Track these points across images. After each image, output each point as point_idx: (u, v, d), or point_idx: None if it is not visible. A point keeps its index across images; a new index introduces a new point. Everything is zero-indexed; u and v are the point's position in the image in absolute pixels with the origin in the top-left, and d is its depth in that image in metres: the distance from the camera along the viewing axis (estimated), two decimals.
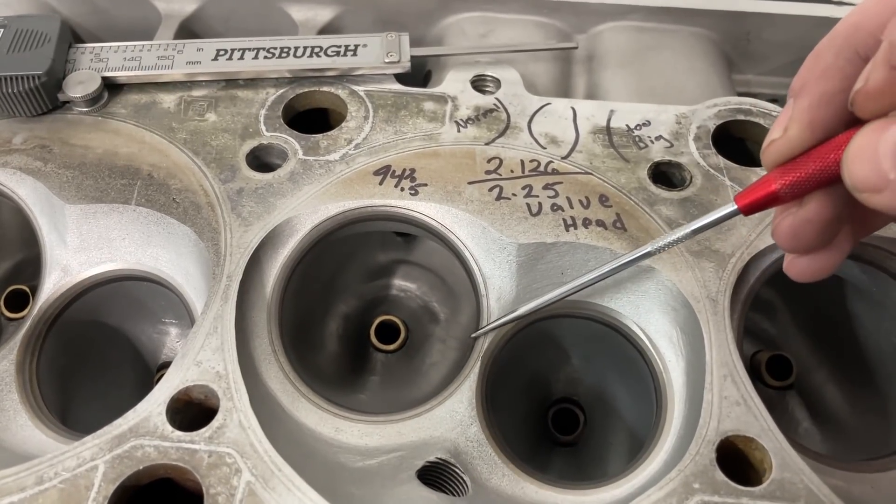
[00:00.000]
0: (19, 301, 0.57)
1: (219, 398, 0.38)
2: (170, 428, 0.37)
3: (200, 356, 0.40)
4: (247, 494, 0.35)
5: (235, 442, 0.37)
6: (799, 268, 0.34)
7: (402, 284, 0.62)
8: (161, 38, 0.60)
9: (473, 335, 0.45)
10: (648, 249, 0.39)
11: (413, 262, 0.62)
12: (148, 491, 0.37)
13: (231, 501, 0.35)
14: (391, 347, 0.56)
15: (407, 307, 0.61)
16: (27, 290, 0.57)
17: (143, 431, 0.37)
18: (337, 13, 0.61)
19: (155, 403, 0.38)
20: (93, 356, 0.51)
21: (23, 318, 0.56)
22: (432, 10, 0.61)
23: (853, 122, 0.28)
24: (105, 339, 0.52)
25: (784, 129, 0.30)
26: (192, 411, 0.39)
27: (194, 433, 0.37)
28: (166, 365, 0.54)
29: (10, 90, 0.48)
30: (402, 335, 0.56)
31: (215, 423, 0.38)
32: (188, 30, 0.62)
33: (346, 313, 0.59)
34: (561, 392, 0.53)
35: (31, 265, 0.61)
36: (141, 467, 0.36)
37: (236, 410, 0.38)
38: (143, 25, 0.63)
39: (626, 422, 0.51)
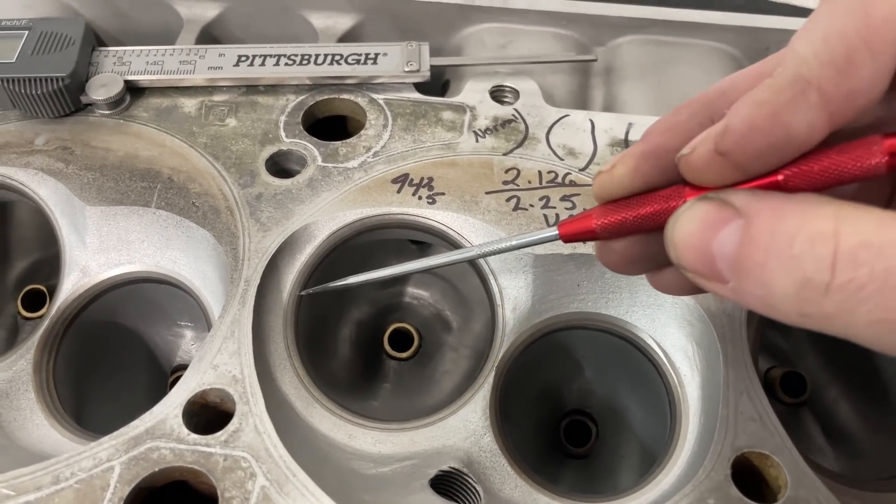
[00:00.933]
0: (36, 300, 0.57)
1: (235, 402, 0.39)
2: (186, 431, 0.38)
3: (217, 360, 0.40)
4: (261, 499, 0.35)
5: (251, 446, 0.37)
6: (652, 281, 0.33)
7: (416, 292, 0.62)
8: (183, 42, 0.61)
9: (301, 292, 0.45)
10: (473, 253, 0.38)
11: (427, 270, 0.62)
12: (163, 493, 0.37)
13: None
14: (404, 355, 0.56)
15: (420, 315, 0.61)
16: (44, 289, 0.57)
17: (159, 433, 0.37)
18: (357, 21, 0.62)
19: (171, 406, 0.38)
20: (108, 357, 0.51)
21: (40, 317, 0.56)
22: (452, 19, 0.61)
23: (682, 180, 0.28)
24: (120, 341, 0.52)
25: (613, 165, 0.30)
26: (208, 414, 0.39)
27: (210, 436, 0.37)
28: (181, 367, 0.55)
29: (34, 91, 0.49)
30: (416, 343, 0.56)
31: (231, 426, 0.38)
32: (209, 35, 0.63)
33: (360, 320, 0.59)
34: (574, 404, 0.53)
35: (47, 265, 0.61)
36: (156, 469, 0.36)
37: (252, 415, 0.38)
38: (164, 29, 0.63)
39: (639, 435, 0.51)
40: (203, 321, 0.49)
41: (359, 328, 0.59)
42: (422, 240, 0.52)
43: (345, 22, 0.62)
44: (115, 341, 0.51)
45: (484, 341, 0.58)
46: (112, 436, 0.37)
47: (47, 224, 0.49)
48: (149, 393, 0.54)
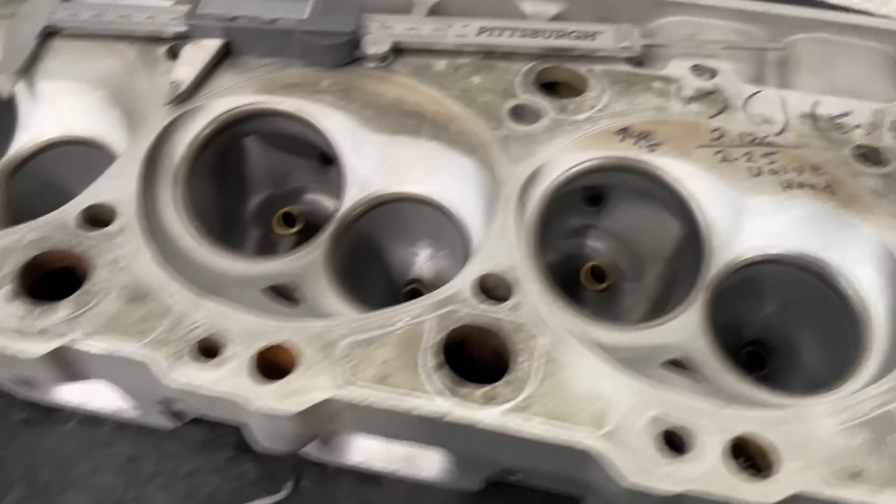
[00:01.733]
0: (287, 220, 0.68)
1: (510, 285, 0.48)
2: (476, 301, 0.47)
3: (493, 252, 0.50)
4: (543, 353, 0.45)
5: (529, 316, 0.47)
6: None
7: (594, 245, 0.71)
8: None
9: None
10: None
11: (602, 229, 0.71)
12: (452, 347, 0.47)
13: (531, 357, 0.45)
14: (601, 286, 0.65)
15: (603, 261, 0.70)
16: (292, 212, 0.68)
17: (457, 300, 0.47)
18: (563, 9, 0.72)
19: (464, 282, 0.48)
20: (362, 262, 0.61)
21: (293, 234, 0.68)
22: (648, 11, 0.70)
23: None
24: (372, 250, 0.62)
25: None
26: (486, 295, 0.49)
27: (497, 306, 0.47)
28: (413, 281, 0.65)
29: (323, 42, 0.60)
30: (609, 278, 0.65)
31: (511, 301, 0.47)
32: (433, 14, 0.73)
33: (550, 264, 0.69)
34: (755, 335, 0.61)
35: (280, 199, 0.72)
36: (459, 325, 0.46)
37: (527, 293, 0.48)
38: (393, 8, 0.74)
39: (810, 370, 0.59)
40: (439, 243, 0.58)
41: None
42: (636, 185, 0.61)
43: (552, 8, 0.72)
44: (368, 252, 0.62)
45: (653, 294, 0.67)
46: (421, 298, 0.47)
47: (278, 164, 0.58)
48: (382, 301, 0.64)
